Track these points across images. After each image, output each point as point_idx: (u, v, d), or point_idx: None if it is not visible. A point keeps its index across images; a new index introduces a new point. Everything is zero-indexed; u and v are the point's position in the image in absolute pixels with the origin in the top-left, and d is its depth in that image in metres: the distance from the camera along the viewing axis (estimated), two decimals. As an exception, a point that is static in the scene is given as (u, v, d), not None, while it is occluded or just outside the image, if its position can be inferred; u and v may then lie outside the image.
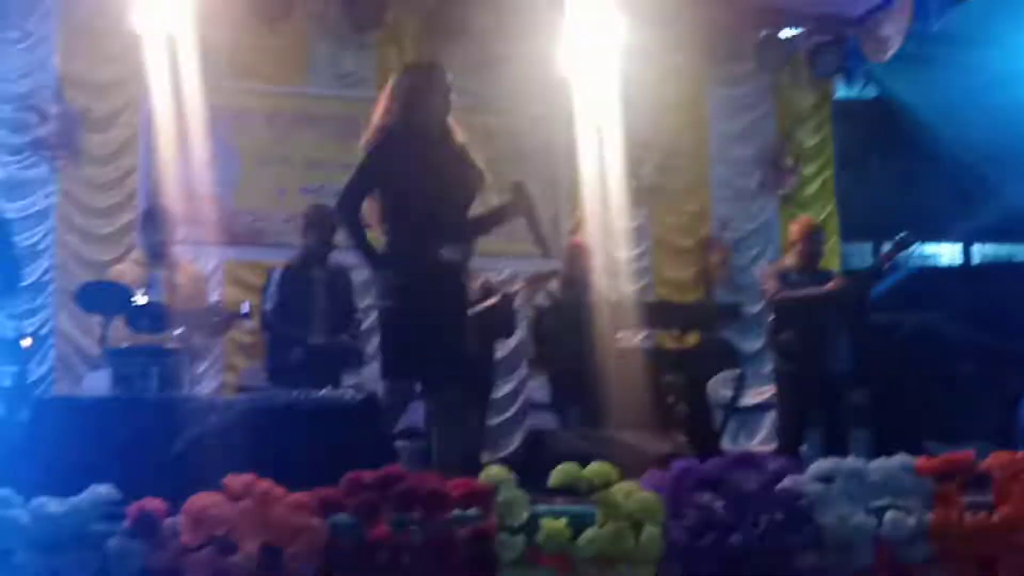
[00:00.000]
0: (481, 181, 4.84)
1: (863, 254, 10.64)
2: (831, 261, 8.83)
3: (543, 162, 8.89)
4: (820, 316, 6.66)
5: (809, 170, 9.77)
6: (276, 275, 6.68)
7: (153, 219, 6.50)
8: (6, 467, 4.07)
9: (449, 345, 4.66)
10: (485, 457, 6.96)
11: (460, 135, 4.86)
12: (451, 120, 4.85)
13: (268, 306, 6.58)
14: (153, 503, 3.14)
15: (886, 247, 6.93)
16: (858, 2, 9.00)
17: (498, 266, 8.21)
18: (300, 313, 6.49)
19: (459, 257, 4.77)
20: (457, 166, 4.78)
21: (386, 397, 4.71)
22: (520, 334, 8.09)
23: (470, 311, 6.56)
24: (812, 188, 9.78)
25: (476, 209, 4.92)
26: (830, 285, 6.73)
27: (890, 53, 8.84)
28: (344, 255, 6.21)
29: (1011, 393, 8.05)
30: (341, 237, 5.69)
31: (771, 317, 7.07)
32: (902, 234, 6.74)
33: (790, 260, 6.98)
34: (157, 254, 6.36)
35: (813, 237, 6.94)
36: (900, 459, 3.60)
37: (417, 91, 4.78)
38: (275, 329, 6.55)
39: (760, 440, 8.81)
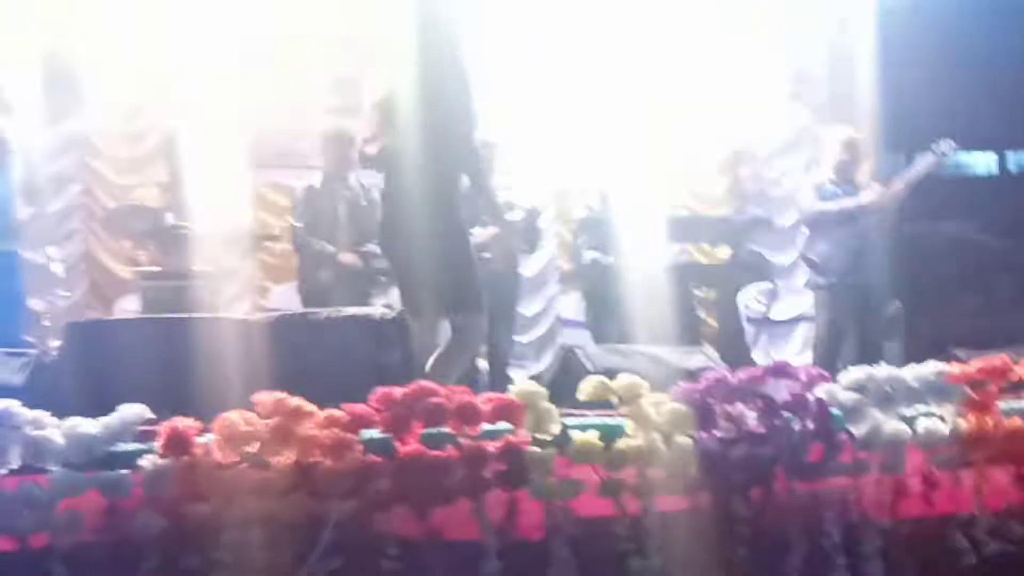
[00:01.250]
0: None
1: (897, 164, 10.48)
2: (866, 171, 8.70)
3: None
4: (856, 228, 6.60)
5: (845, 79, 9.58)
6: (301, 194, 6.69)
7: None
8: (40, 388, 4.11)
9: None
10: (516, 373, 7.00)
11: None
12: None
13: (299, 224, 6.60)
14: (185, 422, 3.15)
15: (923, 157, 6.83)
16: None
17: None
18: (327, 232, 6.51)
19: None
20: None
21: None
22: (551, 251, 8.07)
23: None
24: (847, 98, 9.60)
25: None
26: (867, 197, 6.64)
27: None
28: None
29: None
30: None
31: (807, 230, 7.01)
32: (941, 143, 6.64)
33: (827, 172, 6.90)
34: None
35: (852, 150, 6.86)
36: (933, 366, 3.56)
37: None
38: (305, 247, 6.56)
39: (791, 354, 8.77)
